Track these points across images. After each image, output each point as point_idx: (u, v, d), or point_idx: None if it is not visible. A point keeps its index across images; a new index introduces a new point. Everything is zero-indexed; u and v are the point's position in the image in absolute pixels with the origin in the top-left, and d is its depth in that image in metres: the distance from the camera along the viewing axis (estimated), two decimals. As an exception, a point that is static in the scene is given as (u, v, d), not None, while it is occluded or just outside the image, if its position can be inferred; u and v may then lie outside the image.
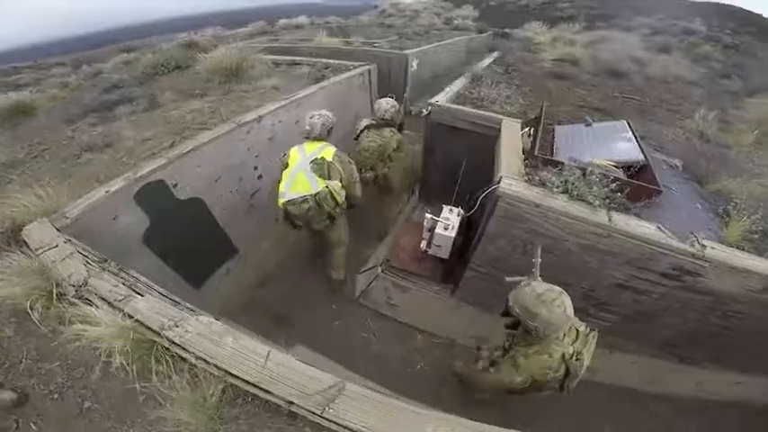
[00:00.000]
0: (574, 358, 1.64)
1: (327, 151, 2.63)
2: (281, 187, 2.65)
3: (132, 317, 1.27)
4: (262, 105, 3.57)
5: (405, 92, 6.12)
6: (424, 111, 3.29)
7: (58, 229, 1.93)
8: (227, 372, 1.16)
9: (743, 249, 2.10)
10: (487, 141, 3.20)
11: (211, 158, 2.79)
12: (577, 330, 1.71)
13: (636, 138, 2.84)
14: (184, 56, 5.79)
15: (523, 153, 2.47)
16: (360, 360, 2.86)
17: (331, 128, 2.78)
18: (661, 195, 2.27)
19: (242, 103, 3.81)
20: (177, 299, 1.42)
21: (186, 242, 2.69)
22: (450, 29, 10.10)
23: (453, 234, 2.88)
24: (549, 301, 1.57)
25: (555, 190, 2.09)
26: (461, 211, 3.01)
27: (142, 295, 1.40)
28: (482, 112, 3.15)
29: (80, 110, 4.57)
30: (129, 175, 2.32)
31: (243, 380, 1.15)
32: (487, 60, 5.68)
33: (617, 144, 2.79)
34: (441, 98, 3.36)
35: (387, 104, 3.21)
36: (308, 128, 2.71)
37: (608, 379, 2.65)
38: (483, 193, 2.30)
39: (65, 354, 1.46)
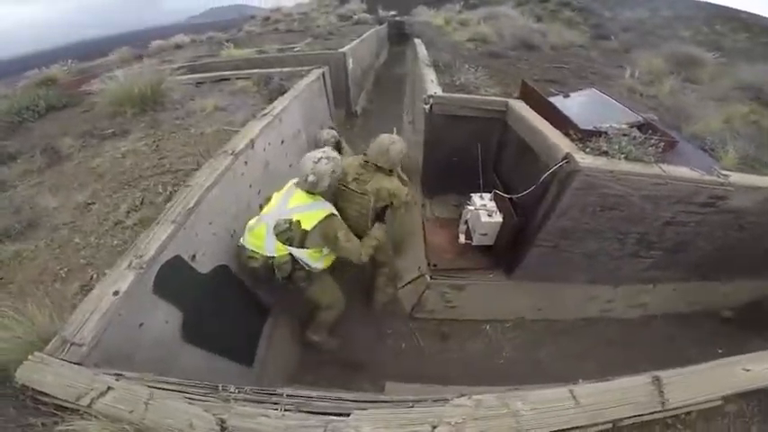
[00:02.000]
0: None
1: (312, 216, 2.05)
2: (248, 223, 2.17)
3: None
4: (223, 130, 2.96)
5: (348, 91, 5.86)
6: (425, 105, 3.14)
7: (77, 363, 1.32)
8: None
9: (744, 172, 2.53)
10: (492, 125, 3.23)
11: (221, 207, 2.20)
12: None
13: (618, 101, 3.16)
14: (55, 94, 4.60)
15: (563, 128, 2.54)
16: (448, 371, 2.70)
17: (338, 175, 2.23)
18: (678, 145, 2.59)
19: (189, 132, 3.13)
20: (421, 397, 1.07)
21: (224, 319, 2.11)
22: (352, 24, 9.99)
23: (500, 218, 2.86)
24: (385, 136, 2.46)
25: (619, 156, 2.21)
26: (493, 196, 3.00)
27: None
28: (486, 96, 3.15)
29: (-66, 182, 3.21)
30: (133, 261, 1.68)
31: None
32: (421, 48, 5.72)
33: (609, 109, 3.04)
34: (433, 89, 3.25)
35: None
36: (312, 178, 2.05)
37: (659, 309, 3.01)
38: (549, 171, 2.29)
39: None
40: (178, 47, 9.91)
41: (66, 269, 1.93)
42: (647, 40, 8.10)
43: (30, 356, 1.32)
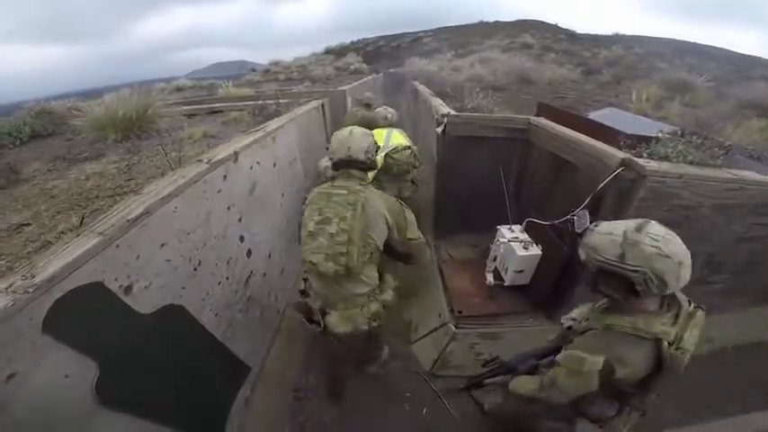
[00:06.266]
0: (674, 346, 1.12)
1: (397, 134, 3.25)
2: (380, 141, 3.00)
3: None
4: (207, 148, 2.51)
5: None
6: (438, 127, 2.88)
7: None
8: None
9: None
10: (513, 146, 2.95)
11: (182, 226, 1.61)
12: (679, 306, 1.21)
13: (641, 116, 2.96)
14: (43, 122, 4.22)
15: (603, 138, 2.24)
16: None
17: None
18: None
19: (169, 156, 2.61)
20: None
21: (177, 379, 1.57)
22: (349, 73, 10.29)
23: (539, 251, 2.45)
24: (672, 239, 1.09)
25: (681, 160, 1.89)
26: (525, 226, 2.62)
27: None
28: (507, 114, 2.90)
29: None
30: (18, 282, 1.02)
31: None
32: (421, 87, 5.70)
33: (638, 122, 2.83)
34: (446, 111, 3.02)
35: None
36: (389, 116, 3.53)
37: (730, 340, 2.53)
38: (603, 182, 1.92)
39: None
40: (179, 89, 9.92)
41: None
42: (633, 73, 8.33)
43: None
